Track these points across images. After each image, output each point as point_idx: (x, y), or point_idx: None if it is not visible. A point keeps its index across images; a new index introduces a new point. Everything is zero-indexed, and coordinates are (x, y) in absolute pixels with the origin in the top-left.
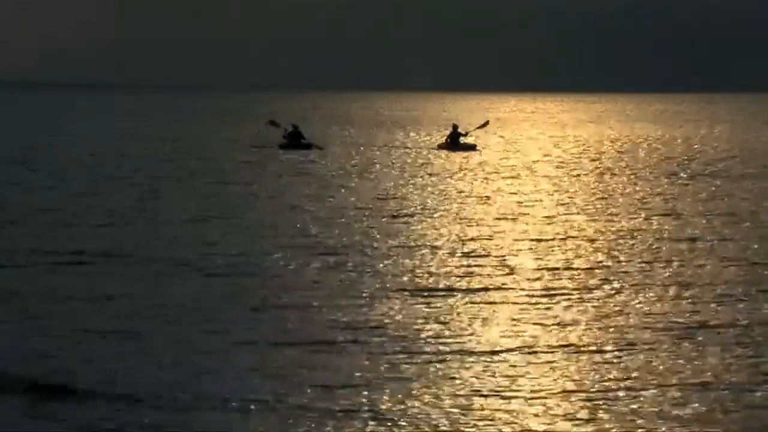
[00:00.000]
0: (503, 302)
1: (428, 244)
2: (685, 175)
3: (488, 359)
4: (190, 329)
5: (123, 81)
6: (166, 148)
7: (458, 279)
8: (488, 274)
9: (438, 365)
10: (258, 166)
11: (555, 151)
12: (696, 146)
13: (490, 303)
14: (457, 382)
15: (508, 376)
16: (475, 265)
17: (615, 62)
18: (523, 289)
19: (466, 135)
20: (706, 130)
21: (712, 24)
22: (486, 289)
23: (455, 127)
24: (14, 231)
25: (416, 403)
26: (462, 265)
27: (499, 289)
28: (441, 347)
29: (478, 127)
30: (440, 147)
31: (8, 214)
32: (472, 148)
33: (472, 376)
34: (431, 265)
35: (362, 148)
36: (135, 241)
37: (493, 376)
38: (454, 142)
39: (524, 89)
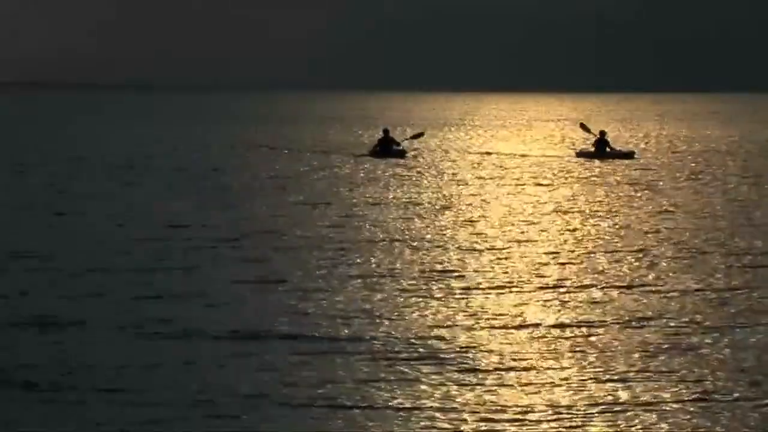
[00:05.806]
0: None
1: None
2: None
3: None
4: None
5: (123, 81)
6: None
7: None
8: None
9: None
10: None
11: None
12: None
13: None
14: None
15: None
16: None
17: (614, 62)
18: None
19: (613, 147)
20: None
21: (713, 25)
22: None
23: (603, 133)
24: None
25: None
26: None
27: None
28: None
29: (598, 139)
30: (579, 155)
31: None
32: (628, 155)
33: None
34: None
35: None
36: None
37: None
38: (600, 149)
39: (524, 89)
